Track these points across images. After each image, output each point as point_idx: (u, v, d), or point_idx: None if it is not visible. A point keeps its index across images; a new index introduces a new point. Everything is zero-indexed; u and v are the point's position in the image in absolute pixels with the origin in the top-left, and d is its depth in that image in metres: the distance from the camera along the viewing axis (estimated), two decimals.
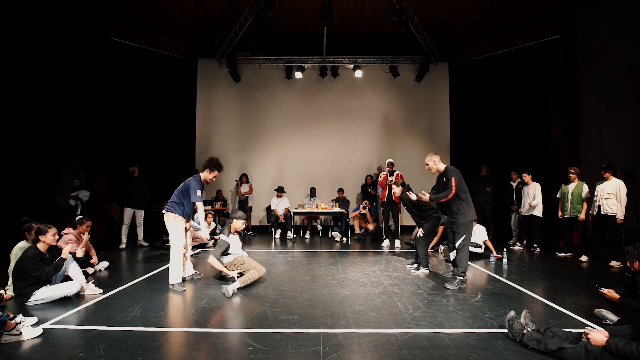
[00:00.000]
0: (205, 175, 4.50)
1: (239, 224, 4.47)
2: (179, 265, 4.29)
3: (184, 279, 4.48)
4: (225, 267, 4.34)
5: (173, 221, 4.33)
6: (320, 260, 5.84)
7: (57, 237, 3.80)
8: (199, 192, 4.30)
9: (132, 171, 7.02)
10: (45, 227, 3.70)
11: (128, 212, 6.93)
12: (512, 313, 2.82)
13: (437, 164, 4.45)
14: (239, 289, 4.06)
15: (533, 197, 6.63)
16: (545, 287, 4.25)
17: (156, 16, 8.79)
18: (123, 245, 6.78)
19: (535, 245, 6.62)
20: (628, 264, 3.10)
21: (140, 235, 7.11)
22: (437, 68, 10.11)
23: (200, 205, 4.31)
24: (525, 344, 2.59)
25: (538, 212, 6.64)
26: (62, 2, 6.99)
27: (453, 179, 4.23)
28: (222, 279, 4.59)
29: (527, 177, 6.81)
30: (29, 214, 4.45)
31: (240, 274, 4.32)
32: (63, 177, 6.62)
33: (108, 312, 3.37)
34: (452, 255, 4.41)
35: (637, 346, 2.22)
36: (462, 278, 4.24)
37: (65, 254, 3.77)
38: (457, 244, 4.27)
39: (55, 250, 3.86)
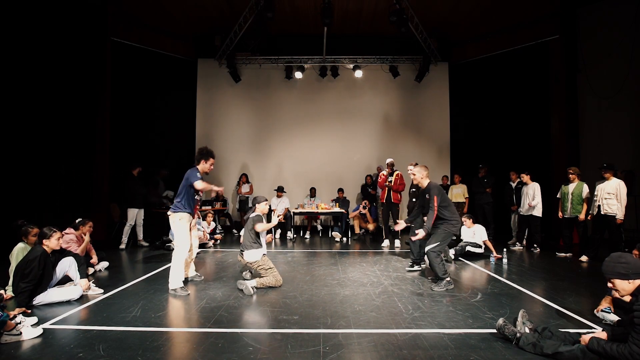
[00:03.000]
0: (202, 167, 4.34)
1: (264, 207, 4.42)
2: (180, 269, 4.11)
3: (186, 279, 4.43)
4: (252, 264, 4.29)
5: (179, 223, 4.14)
6: (320, 260, 5.84)
7: (61, 241, 3.78)
8: (198, 174, 4.20)
9: (135, 172, 7.11)
10: (49, 231, 3.66)
11: (132, 213, 6.96)
12: (500, 321, 2.78)
13: (423, 179, 4.51)
14: (256, 288, 4.05)
15: (532, 197, 6.63)
16: (545, 287, 4.25)
17: (156, 16, 8.79)
18: (123, 245, 6.79)
19: (535, 245, 6.62)
20: None
21: (140, 235, 7.12)
22: (437, 68, 10.11)
23: (198, 184, 4.14)
24: (522, 348, 2.57)
25: (537, 212, 6.64)
26: (62, 2, 6.98)
27: (435, 198, 4.25)
28: (223, 279, 4.60)
29: (525, 177, 6.82)
30: (28, 215, 4.45)
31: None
32: (159, 182, 7.96)
33: (108, 312, 3.37)
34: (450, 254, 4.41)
35: (617, 346, 2.24)
36: (448, 279, 4.17)
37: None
38: (428, 247, 4.23)
39: (58, 253, 3.85)
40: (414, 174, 4.56)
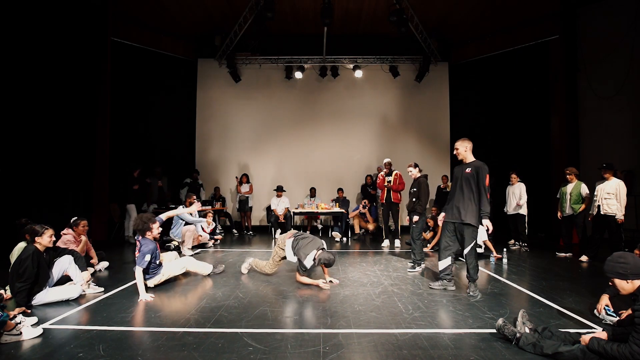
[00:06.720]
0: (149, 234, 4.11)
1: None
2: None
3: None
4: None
5: None
6: None
7: (53, 238, 3.72)
8: (146, 257, 3.90)
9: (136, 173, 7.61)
10: (41, 229, 3.60)
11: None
12: (500, 321, 2.78)
13: (467, 151, 4.03)
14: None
15: (519, 197, 6.86)
16: (545, 287, 4.24)
17: (156, 16, 8.79)
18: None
19: (525, 244, 6.78)
20: None
21: (128, 232, 7.55)
22: (437, 68, 10.11)
23: (137, 271, 3.87)
24: (522, 349, 2.57)
25: (523, 210, 6.88)
26: (62, 2, 6.98)
27: (487, 177, 3.80)
28: (223, 278, 4.60)
29: (514, 178, 7.06)
30: (28, 215, 4.44)
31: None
32: (151, 182, 8.60)
33: (108, 312, 3.37)
34: (442, 264, 4.06)
35: (617, 346, 2.24)
36: (450, 279, 4.08)
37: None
38: (466, 250, 3.91)
39: (52, 251, 3.83)
40: (457, 149, 4.14)
